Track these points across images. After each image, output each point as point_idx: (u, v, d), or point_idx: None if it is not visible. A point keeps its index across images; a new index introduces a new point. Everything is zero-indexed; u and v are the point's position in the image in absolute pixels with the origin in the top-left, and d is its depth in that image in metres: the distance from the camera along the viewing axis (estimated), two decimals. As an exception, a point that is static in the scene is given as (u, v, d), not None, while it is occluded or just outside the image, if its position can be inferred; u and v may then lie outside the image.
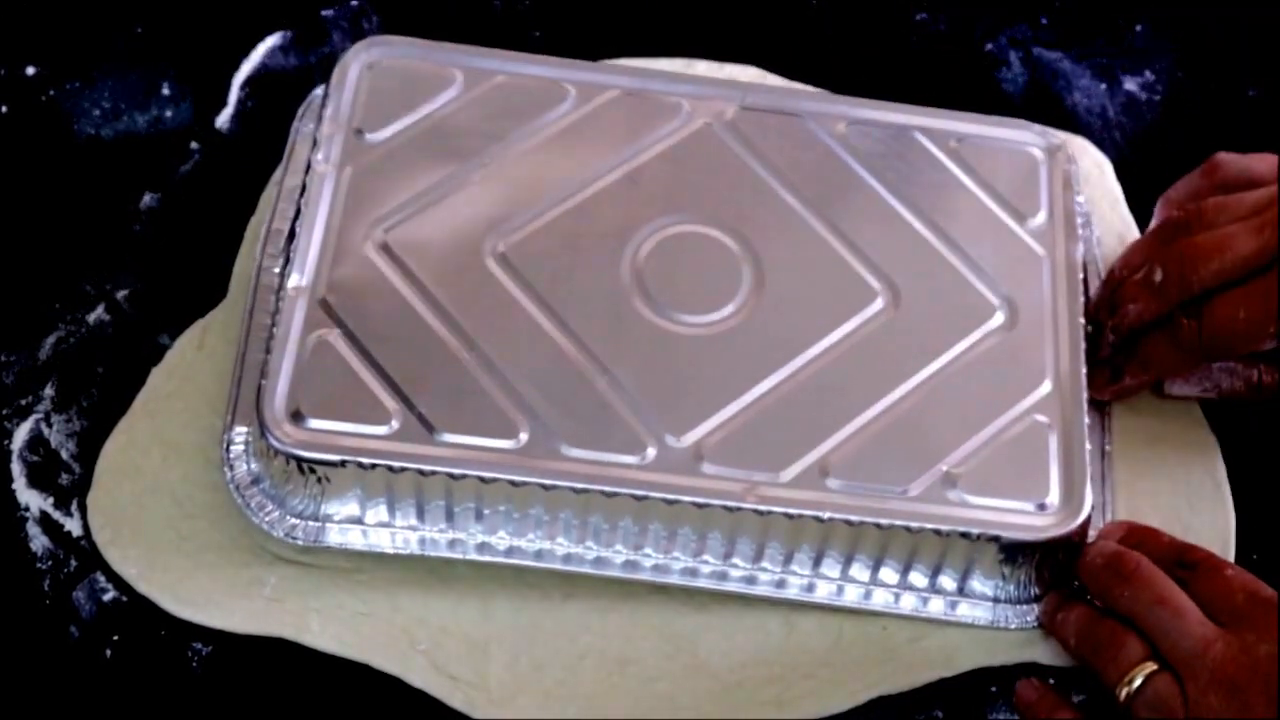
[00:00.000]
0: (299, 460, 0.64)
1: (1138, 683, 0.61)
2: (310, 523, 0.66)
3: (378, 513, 0.66)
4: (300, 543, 0.66)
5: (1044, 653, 0.66)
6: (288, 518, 0.66)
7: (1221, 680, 0.59)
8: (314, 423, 0.64)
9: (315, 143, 0.71)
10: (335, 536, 0.66)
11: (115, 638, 0.66)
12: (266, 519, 0.66)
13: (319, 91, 0.76)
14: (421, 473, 0.64)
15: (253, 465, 0.67)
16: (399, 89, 0.73)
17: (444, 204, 0.70)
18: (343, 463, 0.64)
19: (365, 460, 0.64)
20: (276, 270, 0.70)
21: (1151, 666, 0.61)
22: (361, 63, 0.74)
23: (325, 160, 0.71)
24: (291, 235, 0.69)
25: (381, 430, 0.65)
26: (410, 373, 0.66)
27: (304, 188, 0.70)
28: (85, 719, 0.65)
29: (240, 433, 0.67)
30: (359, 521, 0.66)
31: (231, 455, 0.67)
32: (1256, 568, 0.68)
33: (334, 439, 0.64)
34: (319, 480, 0.65)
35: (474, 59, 0.75)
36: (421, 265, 0.68)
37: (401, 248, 0.69)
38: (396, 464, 0.64)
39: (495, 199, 0.71)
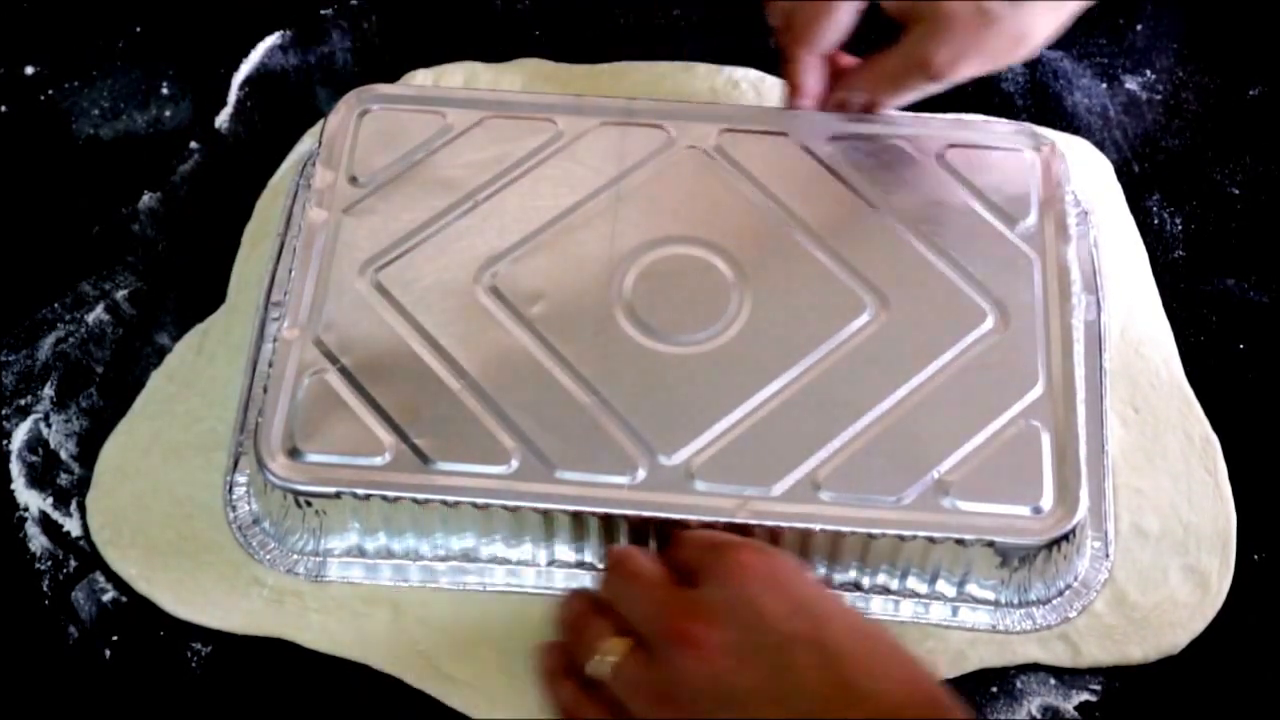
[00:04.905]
0: (295, 494, 0.65)
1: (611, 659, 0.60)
2: (312, 558, 0.67)
3: (376, 544, 0.66)
4: (302, 578, 0.67)
5: (1046, 653, 0.66)
6: (290, 554, 0.67)
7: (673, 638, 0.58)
8: (310, 457, 0.65)
9: (309, 191, 0.72)
10: (336, 571, 0.67)
11: (115, 638, 0.67)
12: (268, 557, 0.67)
13: (308, 143, 0.78)
14: (416, 501, 0.64)
15: (254, 505, 0.68)
16: (389, 134, 0.74)
17: (435, 240, 0.71)
18: (338, 495, 0.64)
19: (360, 491, 0.64)
20: (275, 318, 0.70)
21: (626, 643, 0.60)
22: (352, 111, 0.74)
23: (319, 207, 0.71)
24: (288, 280, 0.70)
25: (376, 462, 0.65)
26: (404, 405, 0.66)
27: (300, 234, 0.71)
28: (85, 719, 0.65)
29: (243, 476, 0.68)
30: (359, 554, 0.67)
31: (234, 497, 0.68)
32: (1257, 568, 0.68)
33: (329, 472, 0.65)
34: (317, 514, 0.65)
35: (460, 100, 0.75)
36: (413, 300, 0.69)
37: (394, 285, 0.69)
38: (391, 494, 0.64)
39: (485, 232, 0.71)
